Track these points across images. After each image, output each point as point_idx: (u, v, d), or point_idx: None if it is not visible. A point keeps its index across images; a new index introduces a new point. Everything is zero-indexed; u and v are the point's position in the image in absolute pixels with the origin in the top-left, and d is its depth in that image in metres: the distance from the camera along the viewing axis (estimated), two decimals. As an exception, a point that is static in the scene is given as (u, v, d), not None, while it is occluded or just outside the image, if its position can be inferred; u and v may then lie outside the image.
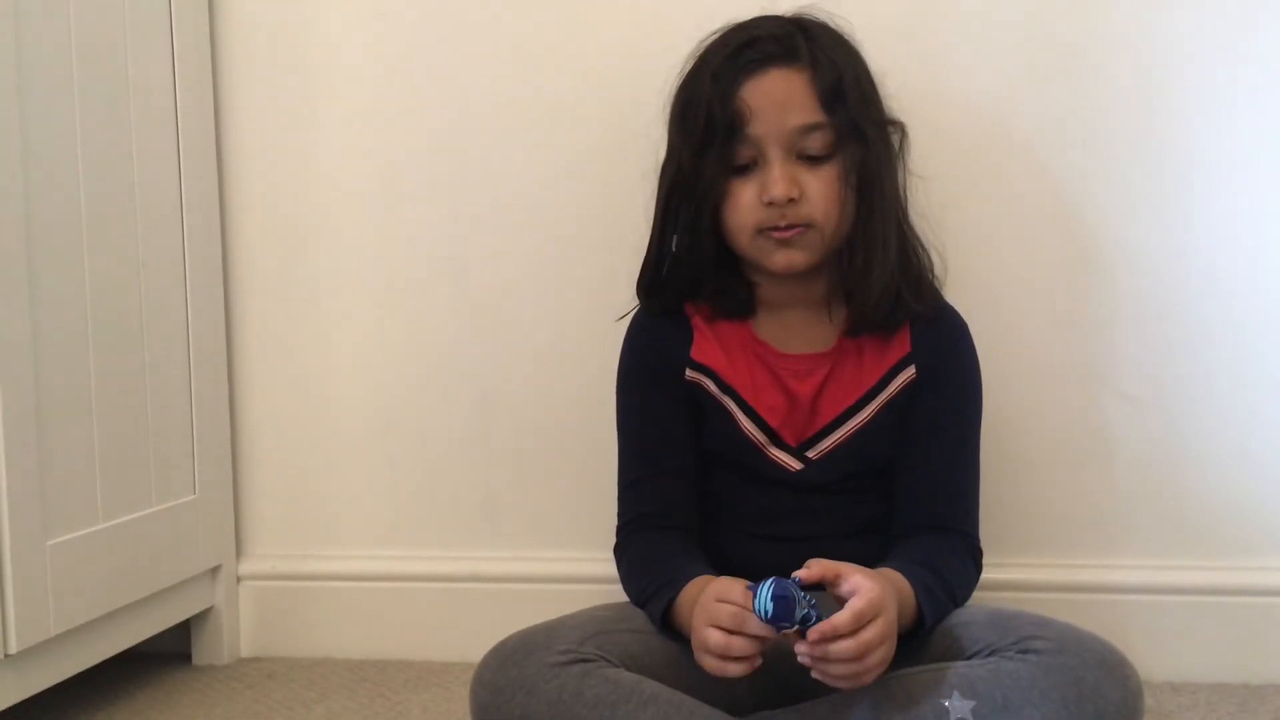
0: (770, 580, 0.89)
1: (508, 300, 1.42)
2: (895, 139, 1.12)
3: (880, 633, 0.90)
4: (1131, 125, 1.30)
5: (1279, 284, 1.29)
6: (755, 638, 0.90)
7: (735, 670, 0.91)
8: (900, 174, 1.13)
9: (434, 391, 1.44)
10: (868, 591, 0.90)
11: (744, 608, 0.90)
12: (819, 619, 0.89)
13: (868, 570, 0.94)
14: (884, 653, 0.91)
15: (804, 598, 0.89)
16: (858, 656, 0.89)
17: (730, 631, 0.91)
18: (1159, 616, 1.31)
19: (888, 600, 0.91)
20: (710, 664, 0.92)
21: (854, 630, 0.89)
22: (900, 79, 1.15)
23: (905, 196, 1.14)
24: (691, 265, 1.11)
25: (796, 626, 0.89)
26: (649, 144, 1.15)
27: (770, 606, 0.88)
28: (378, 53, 1.42)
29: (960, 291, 1.20)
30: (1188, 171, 1.30)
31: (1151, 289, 1.31)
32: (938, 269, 1.15)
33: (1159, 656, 1.29)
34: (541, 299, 1.41)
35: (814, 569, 0.92)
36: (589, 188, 1.39)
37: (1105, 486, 1.33)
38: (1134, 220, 1.31)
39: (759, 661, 0.92)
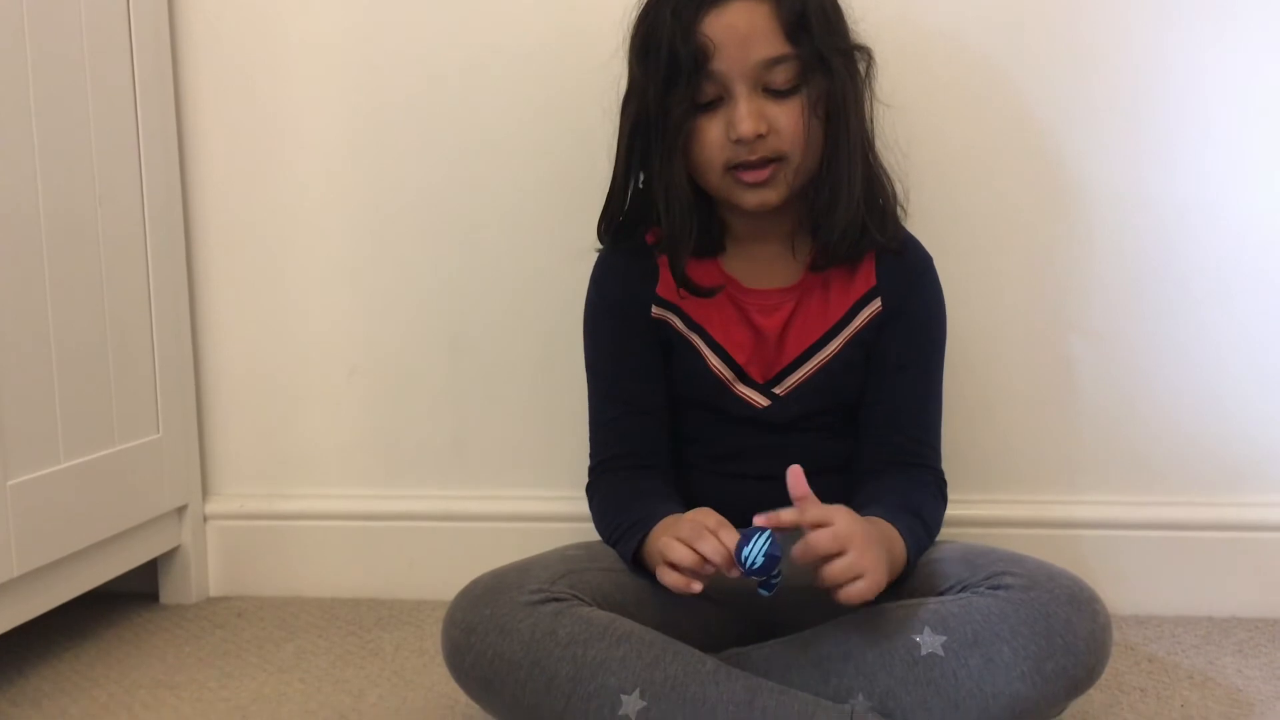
0: (768, 534, 0.89)
1: (475, 239, 1.40)
2: (862, 66, 1.09)
3: (854, 558, 0.90)
4: (1110, 60, 1.29)
5: (1249, 225, 1.29)
6: (703, 559, 0.90)
7: (697, 588, 0.91)
8: (867, 103, 1.10)
9: (402, 329, 1.42)
10: (841, 526, 0.90)
11: (714, 532, 0.90)
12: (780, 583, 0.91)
13: (847, 513, 0.93)
14: (859, 565, 0.91)
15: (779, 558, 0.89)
16: (839, 551, 0.89)
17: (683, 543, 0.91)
18: (1124, 552, 1.32)
19: (860, 536, 0.91)
20: (670, 579, 0.92)
21: (830, 549, 0.90)
22: (868, 1, 1.11)
23: (872, 126, 1.12)
24: (671, 208, 1.06)
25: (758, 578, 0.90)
26: (609, 80, 1.12)
27: (760, 560, 0.88)
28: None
29: (929, 226, 1.19)
30: (1165, 109, 1.29)
31: (1123, 228, 1.31)
32: (902, 199, 1.14)
33: (1125, 591, 1.31)
34: (508, 238, 1.39)
35: (801, 512, 0.91)
36: (553, 127, 1.36)
37: (1072, 423, 1.34)
38: (1108, 157, 1.30)
39: (698, 587, 0.91)
